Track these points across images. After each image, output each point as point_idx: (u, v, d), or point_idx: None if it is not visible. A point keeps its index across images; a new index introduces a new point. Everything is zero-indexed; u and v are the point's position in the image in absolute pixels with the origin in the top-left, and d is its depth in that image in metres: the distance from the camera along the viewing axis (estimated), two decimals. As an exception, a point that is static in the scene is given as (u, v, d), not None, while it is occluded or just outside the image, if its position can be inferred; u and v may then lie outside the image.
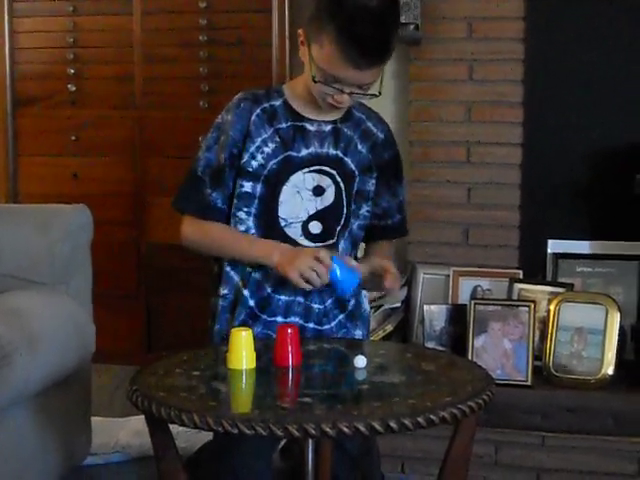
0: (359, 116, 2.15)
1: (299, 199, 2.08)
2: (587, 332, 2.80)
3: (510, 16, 3.15)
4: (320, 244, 2.08)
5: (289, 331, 1.85)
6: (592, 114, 3.13)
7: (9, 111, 4.13)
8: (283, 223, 2.08)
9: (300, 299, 2.09)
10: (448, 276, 3.15)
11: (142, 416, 1.76)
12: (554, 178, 3.17)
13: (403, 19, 3.08)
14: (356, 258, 2.19)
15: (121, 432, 3.21)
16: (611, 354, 2.77)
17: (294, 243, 2.07)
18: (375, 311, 3.05)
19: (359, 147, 2.13)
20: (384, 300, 2.98)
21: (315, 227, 2.09)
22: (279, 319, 2.08)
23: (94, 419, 2.96)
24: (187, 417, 1.58)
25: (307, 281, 1.95)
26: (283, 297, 2.09)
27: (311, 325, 2.09)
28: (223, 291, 2.12)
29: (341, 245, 2.11)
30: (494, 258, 3.20)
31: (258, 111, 2.08)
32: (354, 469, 2.17)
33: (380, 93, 2.01)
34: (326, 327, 2.11)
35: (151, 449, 1.81)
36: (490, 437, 2.82)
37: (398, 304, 3.14)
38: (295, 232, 2.08)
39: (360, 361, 1.84)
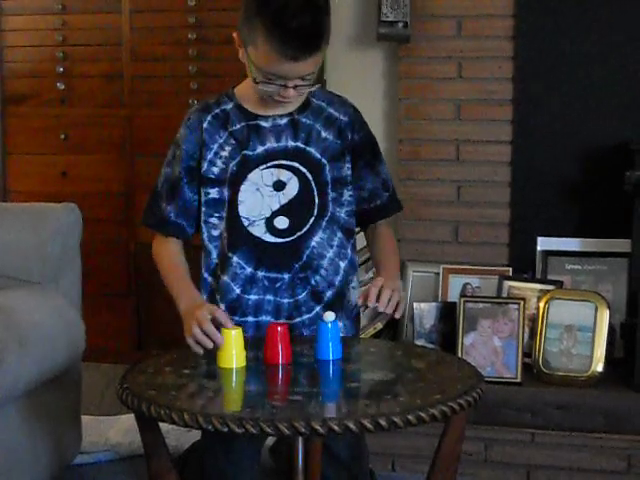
0: (319, 104, 2.12)
1: (259, 196, 2.08)
2: (577, 329, 2.81)
3: (499, 14, 3.15)
4: (289, 239, 2.07)
5: (279, 329, 1.85)
6: (582, 111, 3.13)
7: (-2, 109, 4.12)
8: (246, 222, 2.08)
9: (270, 297, 2.09)
10: (438, 274, 3.15)
11: (132, 414, 1.76)
12: (544, 176, 3.17)
13: (393, 17, 3.08)
14: (353, 246, 2.17)
15: (111, 430, 3.20)
16: (600, 351, 2.78)
17: (259, 241, 2.07)
18: (365, 309, 3.04)
19: (323, 135, 2.10)
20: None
21: (281, 222, 2.08)
22: (250, 319, 2.09)
23: (84, 417, 2.95)
24: (177, 416, 1.58)
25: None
26: (253, 297, 2.09)
27: (282, 321, 2.07)
28: (202, 296, 2.12)
29: (319, 235, 2.09)
30: (484, 256, 3.20)
31: (209, 118, 2.11)
32: (343, 471, 2.16)
33: (322, 82, 1.99)
34: (297, 320, 2.09)
35: (141, 447, 1.81)
36: (480, 434, 2.82)
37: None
38: (259, 230, 2.08)
39: (329, 316, 1.87)
